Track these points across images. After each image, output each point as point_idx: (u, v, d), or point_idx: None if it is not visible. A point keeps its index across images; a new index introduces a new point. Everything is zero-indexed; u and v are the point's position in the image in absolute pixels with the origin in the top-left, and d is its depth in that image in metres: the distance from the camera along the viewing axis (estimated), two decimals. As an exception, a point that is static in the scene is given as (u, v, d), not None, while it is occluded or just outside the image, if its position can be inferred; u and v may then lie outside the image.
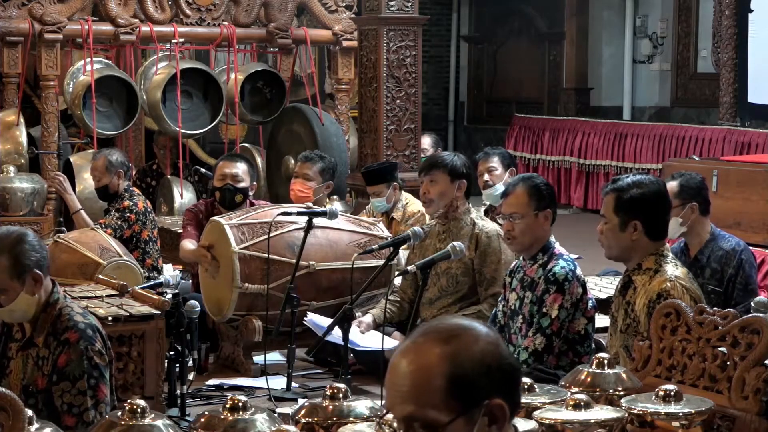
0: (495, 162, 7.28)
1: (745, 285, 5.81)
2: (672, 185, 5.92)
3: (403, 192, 7.61)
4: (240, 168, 7.15)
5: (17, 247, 3.95)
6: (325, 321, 6.13)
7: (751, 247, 6.14)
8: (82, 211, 7.80)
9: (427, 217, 7.28)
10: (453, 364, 2.16)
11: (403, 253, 6.62)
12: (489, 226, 6.02)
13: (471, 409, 2.15)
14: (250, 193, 7.20)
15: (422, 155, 9.59)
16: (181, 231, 7.35)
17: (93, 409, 3.91)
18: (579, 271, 5.15)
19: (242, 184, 7.11)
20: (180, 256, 7.12)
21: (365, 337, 6.12)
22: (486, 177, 7.23)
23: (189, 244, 6.92)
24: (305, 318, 6.31)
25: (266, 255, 6.31)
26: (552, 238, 5.31)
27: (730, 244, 5.90)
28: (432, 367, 2.16)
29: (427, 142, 10.04)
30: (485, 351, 2.18)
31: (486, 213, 7.06)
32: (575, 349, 5.11)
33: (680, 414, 3.27)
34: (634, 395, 3.44)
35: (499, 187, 6.98)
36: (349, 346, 5.54)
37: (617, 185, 4.58)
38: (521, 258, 5.31)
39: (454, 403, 2.15)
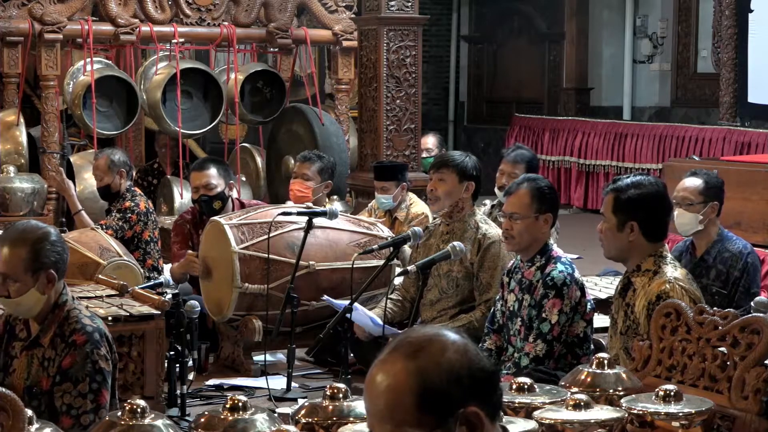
0: (519, 170, 7.17)
1: (748, 289, 5.80)
2: (696, 181, 5.91)
3: (409, 193, 7.61)
4: (209, 174, 7.00)
5: (40, 243, 3.96)
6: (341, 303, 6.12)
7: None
8: (83, 212, 7.80)
9: (430, 218, 7.28)
10: (421, 378, 2.15)
11: (407, 252, 6.63)
12: (492, 231, 5.99)
13: (446, 421, 2.15)
14: (231, 193, 7.12)
15: (428, 155, 9.59)
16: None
17: (92, 413, 3.89)
18: (577, 274, 5.14)
19: (217, 190, 6.99)
20: (172, 279, 7.05)
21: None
22: (505, 180, 7.13)
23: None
24: (323, 297, 6.31)
25: (266, 255, 6.31)
26: (551, 240, 5.31)
27: (737, 247, 5.89)
28: (401, 385, 2.17)
29: (432, 141, 10.04)
30: (453, 360, 2.17)
31: (493, 208, 7.09)
32: (574, 351, 5.10)
33: (680, 414, 3.27)
34: (634, 395, 3.44)
35: None
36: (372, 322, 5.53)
37: (617, 185, 4.58)
38: (518, 258, 5.30)
39: (427, 418, 2.15)
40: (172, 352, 5.67)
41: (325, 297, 6.32)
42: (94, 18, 9.58)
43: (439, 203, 6.13)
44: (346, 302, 5.82)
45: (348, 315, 5.72)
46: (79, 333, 3.95)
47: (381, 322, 5.74)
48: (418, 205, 7.52)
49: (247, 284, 6.37)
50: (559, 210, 5.47)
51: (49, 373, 3.96)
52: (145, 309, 5.60)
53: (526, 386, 3.47)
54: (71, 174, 9.07)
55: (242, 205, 7.11)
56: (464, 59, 17.26)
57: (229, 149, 10.41)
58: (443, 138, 11.82)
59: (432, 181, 6.18)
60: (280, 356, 6.80)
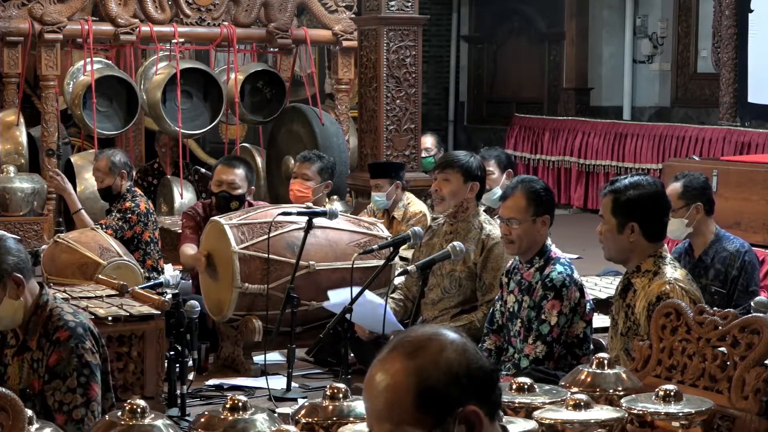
0: (491, 165, 7.22)
1: (746, 287, 5.80)
2: (676, 186, 5.90)
3: (406, 192, 7.61)
4: (237, 174, 7.04)
5: None
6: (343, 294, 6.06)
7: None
8: (83, 211, 7.79)
9: (429, 218, 7.28)
10: (419, 378, 2.15)
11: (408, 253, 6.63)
12: (496, 231, 5.97)
13: (444, 420, 2.15)
14: (248, 198, 7.15)
15: (427, 155, 9.59)
16: (180, 231, 7.35)
17: (83, 407, 3.88)
18: (576, 275, 5.13)
19: (239, 191, 7.02)
20: (181, 262, 7.11)
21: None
22: None
23: (189, 249, 6.90)
24: (324, 303, 6.29)
25: (266, 255, 6.31)
26: (548, 241, 5.30)
27: (734, 246, 5.89)
28: (400, 384, 2.17)
29: (431, 141, 10.06)
30: (451, 360, 2.17)
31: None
32: (574, 352, 5.09)
33: (680, 414, 3.28)
34: (634, 395, 3.44)
35: (497, 191, 6.98)
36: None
37: (614, 187, 4.58)
38: (517, 259, 5.30)
39: (426, 417, 2.15)
40: (172, 352, 5.67)
41: (325, 304, 6.26)
42: (94, 18, 9.59)
43: (444, 203, 6.12)
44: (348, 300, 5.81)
45: (348, 315, 5.71)
46: (62, 329, 3.94)
47: (384, 305, 5.68)
48: (415, 204, 7.53)
49: (247, 284, 6.37)
50: (559, 210, 5.47)
51: (39, 374, 3.95)
52: (145, 309, 5.59)
53: (526, 386, 3.47)
54: (72, 174, 9.08)
55: (251, 206, 7.11)
56: (464, 59, 17.26)
57: (229, 149, 10.41)
58: (443, 138, 11.83)
59: (436, 181, 6.16)
60: (281, 356, 6.80)
